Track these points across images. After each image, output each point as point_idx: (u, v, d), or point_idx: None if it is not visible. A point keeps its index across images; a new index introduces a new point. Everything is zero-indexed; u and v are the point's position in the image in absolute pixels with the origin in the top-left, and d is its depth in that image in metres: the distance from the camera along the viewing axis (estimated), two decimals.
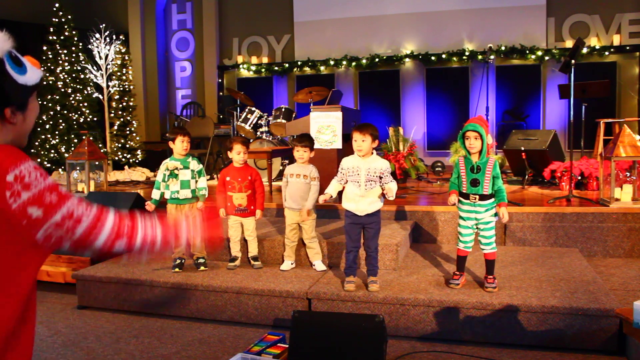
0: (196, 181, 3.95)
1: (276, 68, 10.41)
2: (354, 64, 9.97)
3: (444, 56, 9.47)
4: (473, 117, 3.46)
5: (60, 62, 8.47)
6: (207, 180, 4.03)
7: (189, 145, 3.96)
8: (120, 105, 9.46)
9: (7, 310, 1.13)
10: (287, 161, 6.58)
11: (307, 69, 10.32)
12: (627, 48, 8.79)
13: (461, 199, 3.37)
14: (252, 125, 7.37)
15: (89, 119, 8.62)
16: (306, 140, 3.85)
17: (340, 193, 3.53)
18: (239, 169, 3.96)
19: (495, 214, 3.37)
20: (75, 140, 8.19)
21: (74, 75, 8.56)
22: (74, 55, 8.62)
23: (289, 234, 3.90)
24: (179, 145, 3.91)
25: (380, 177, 3.34)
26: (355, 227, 3.41)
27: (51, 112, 8.25)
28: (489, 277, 3.36)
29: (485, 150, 3.28)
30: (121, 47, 9.37)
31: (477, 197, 3.29)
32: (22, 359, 1.18)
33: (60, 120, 8.32)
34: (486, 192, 3.27)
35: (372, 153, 3.39)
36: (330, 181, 3.51)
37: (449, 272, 3.69)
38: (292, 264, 3.95)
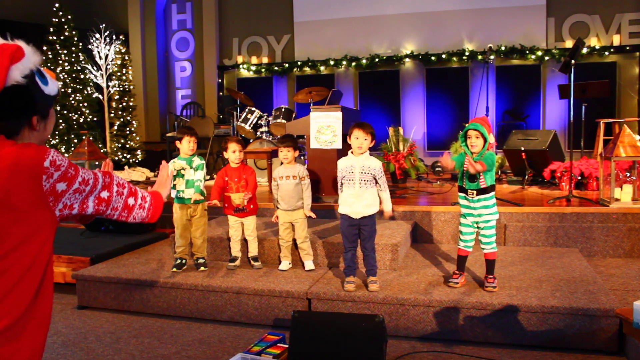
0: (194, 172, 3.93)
1: (276, 68, 10.41)
2: (354, 64, 9.97)
3: (444, 56, 9.47)
4: (476, 117, 3.45)
5: (60, 62, 8.47)
6: (207, 180, 4.03)
7: (196, 146, 3.96)
8: (120, 105, 9.45)
9: (33, 275, 1.30)
10: None
11: (307, 69, 10.32)
12: (627, 48, 8.79)
13: (461, 194, 3.40)
14: (252, 125, 7.37)
15: (89, 119, 8.62)
16: (288, 140, 3.88)
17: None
18: (235, 169, 3.96)
19: (496, 212, 3.37)
20: (75, 140, 8.19)
21: (74, 75, 8.56)
22: (74, 55, 8.62)
23: (283, 233, 3.91)
24: (186, 145, 3.91)
25: (375, 178, 3.38)
26: (352, 228, 3.43)
27: None
28: (489, 276, 3.37)
29: (484, 149, 3.28)
30: (121, 47, 9.37)
31: (475, 192, 3.30)
32: (39, 328, 1.35)
33: (60, 120, 8.32)
34: (483, 185, 3.30)
35: (367, 152, 3.44)
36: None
37: (449, 272, 3.69)
38: (289, 263, 3.96)
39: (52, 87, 1.40)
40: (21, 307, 1.28)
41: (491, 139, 3.30)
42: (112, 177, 1.49)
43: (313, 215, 3.86)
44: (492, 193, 3.34)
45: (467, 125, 3.35)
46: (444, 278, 3.60)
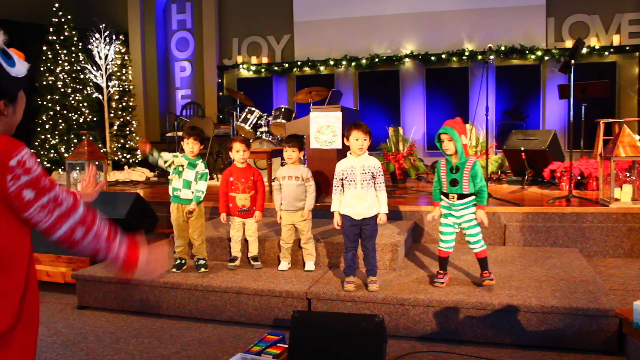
0: (196, 182, 3.91)
1: (276, 68, 10.41)
2: (353, 64, 9.97)
3: (443, 56, 9.47)
4: (449, 119, 3.44)
5: (60, 62, 8.46)
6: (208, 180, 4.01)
7: (197, 147, 3.88)
8: (120, 105, 9.45)
9: (15, 281, 1.24)
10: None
11: (306, 69, 10.32)
12: (627, 48, 8.79)
13: (443, 197, 3.42)
14: (251, 125, 7.37)
15: (88, 119, 8.61)
16: (294, 140, 3.87)
17: None
18: (241, 170, 3.96)
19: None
20: (75, 140, 8.18)
21: (73, 75, 8.55)
22: (73, 55, 8.61)
23: (285, 235, 3.90)
24: (186, 147, 3.88)
25: (374, 177, 3.39)
26: (353, 228, 3.43)
27: (51, 112, 8.24)
28: (484, 272, 3.39)
29: (461, 151, 3.28)
30: (121, 47, 9.37)
31: (456, 196, 3.32)
32: (29, 331, 1.29)
33: (60, 120, 8.31)
34: (465, 191, 3.31)
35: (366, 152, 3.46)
36: (331, 182, 3.52)
37: (449, 272, 3.69)
38: (288, 264, 3.96)
39: (19, 68, 1.29)
40: (9, 314, 1.22)
41: (464, 140, 3.29)
42: (95, 216, 1.33)
43: (306, 217, 3.80)
44: (473, 197, 3.35)
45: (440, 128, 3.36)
46: None
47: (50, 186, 1.25)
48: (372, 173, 3.38)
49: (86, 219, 1.31)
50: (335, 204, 3.46)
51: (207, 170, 3.94)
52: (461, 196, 3.32)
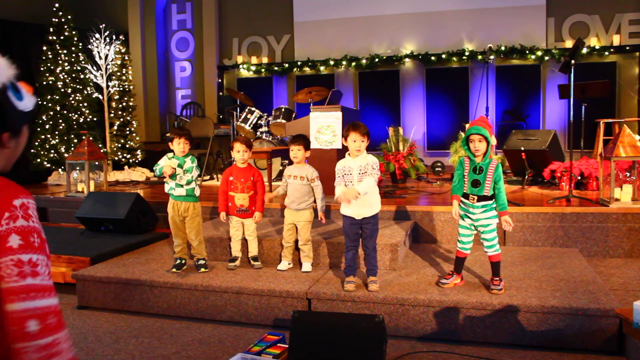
0: (181, 177, 3.84)
1: (276, 68, 10.41)
2: (353, 64, 9.97)
3: (443, 56, 9.47)
4: (474, 119, 3.41)
5: (60, 62, 8.45)
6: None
7: (187, 147, 3.90)
8: (120, 105, 9.44)
9: None
10: (287, 161, 6.59)
11: (307, 69, 10.32)
12: (627, 48, 8.79)
13: (462, 199, 3.38)
14: (252, 125, 7.37)
15: (88, 119, 8.60)
16: (299, 139, 3.87)
17: None
18: (242, 170, 3.96)
19: (496, 216, 3.33)
20: (75, 140, 8.18)
21: (73, 75, 8.54)
22: (73, 55, 8.60)
23: (286, 234, 3.91)
24: (177, 147, 3.88)
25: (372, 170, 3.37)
26: (354, 227, 3.43)
27: (51, 112, 8.23)
28: (495, 279, 3.34)
29: (489, 151, 3.26)
30: (121, 47, 9.36)
31: (476, 197, 3.28)
32: None
33: (60, 120, 8.30)
34: (486, 193, 3.26)
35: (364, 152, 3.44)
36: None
37: (449, 272, 3.69)
38: (289, 264, 3.96)
39: (27, 102, 1.28)
40: None
41: (493, 140, 3.27)
42: (60, 324, 1.13)
43: (323, 220, 3.83)
44: (493, 200, 3.32)
45: (468, 129, 3.30)
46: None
47: (39, 249, 1.14)
48: (367, 170, 3.36)
49: (49, 315, 1.11)
50: (338, 191, 3.40)
51: (194, 164, 3.89)
52: (481, 198, 3.27)
